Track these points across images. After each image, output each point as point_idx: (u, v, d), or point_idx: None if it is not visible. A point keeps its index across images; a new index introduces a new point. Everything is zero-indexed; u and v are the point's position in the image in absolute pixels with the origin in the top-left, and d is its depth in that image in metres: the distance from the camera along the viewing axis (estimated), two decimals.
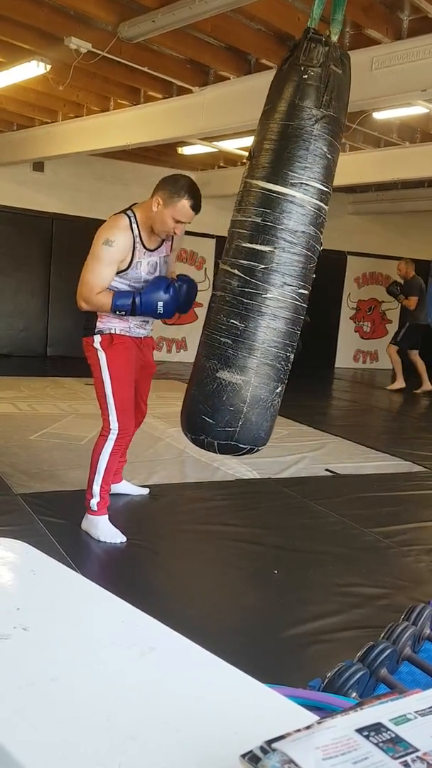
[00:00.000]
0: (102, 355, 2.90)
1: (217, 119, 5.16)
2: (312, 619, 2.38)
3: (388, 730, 0.58)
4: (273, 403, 2.36)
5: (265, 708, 0.75)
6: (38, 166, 8.50)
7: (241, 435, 2.32)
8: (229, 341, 2.28)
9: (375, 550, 3.11)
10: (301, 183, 2.20)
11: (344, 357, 10.99)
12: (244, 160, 2.31)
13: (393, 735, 0.57)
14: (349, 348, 11.07)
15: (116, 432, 2.92)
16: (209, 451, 2.42)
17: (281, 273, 2.24)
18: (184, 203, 2.79)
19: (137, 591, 2.50)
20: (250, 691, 0.78)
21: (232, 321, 2.27)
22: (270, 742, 0.56)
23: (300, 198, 2.21)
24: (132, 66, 4.78)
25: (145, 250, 2.88)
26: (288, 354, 2.35)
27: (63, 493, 3.51)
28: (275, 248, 2.21)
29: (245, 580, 2.77)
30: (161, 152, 7.83)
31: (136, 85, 5.47)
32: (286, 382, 2.41)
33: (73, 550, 2.73)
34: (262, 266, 2.22)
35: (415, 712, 0.61)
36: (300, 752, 0.54)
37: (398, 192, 8.72)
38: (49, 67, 4.80)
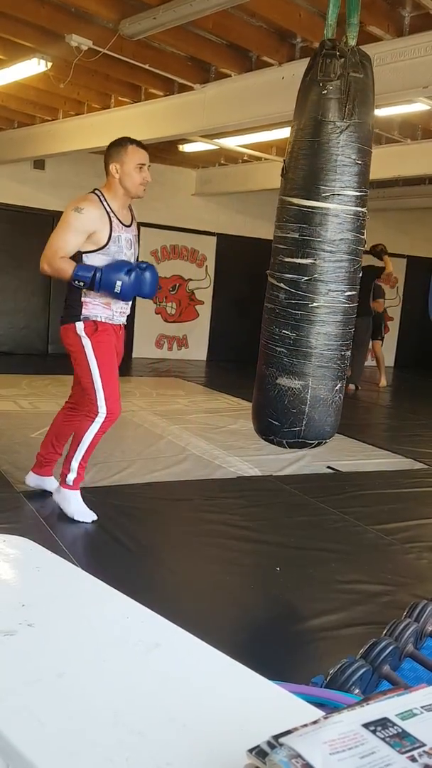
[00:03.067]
0: (87, 342, 2.95)
1: (219, 116, 5.15)
2: (314, 616, 2.39)
3: (394, 725, 0.58)
4: (334, 400, 2.50)
5: (271, 704, 0.75)
6: (39, 163, 8.49)
7: (307, 433, 2.48)
8: (284, 350, 2.40)
9: (377, 547, 3.11)
10: (333, 194, 2.25)
11: None
12: (281, 175, 2.35)
13: (399, 730, 0.58)
14: None
15: (104, 415, 2.98)
16: (281, 447, 2.61)
17: (325, 281, 2.32)
18: (132, 147, 2.94)
19: (139, 588, 2.49)
20: (255, 687, 0.78)
21: (284, 331, 2.39)
22: (277, 737, 0.56)
23: (334, 208, 2.27)
24: (133, 63, 4.77)
25: (121, 224, 2.96)
26: (343, 353, 2.47)
27: None
28: (316, 260, 2.30)
29: (247, 578, 2.77)
30: (162, 150, 7.81)
31: (137, 82, 5.46)
32: (345, 377, 2.55)
33: (76, 546, 2.73)
34: (306, 278, 2.32)
35: (421, 707, 0.62)
36: (307, 747, 0.54)
37: (399, 189, 8.71)
38: (50, 64, 4.78)
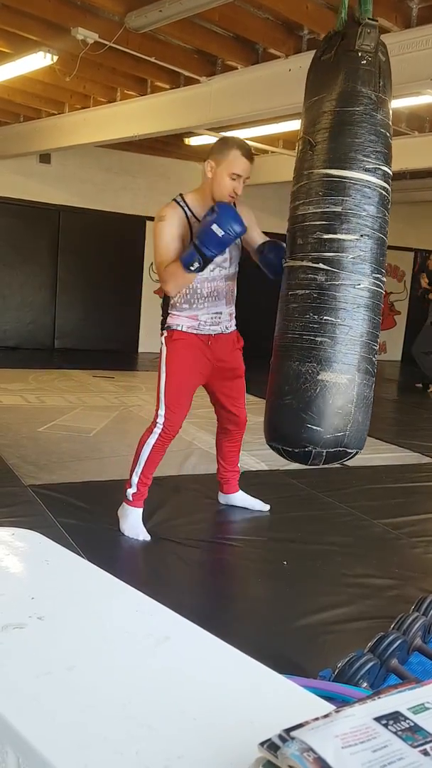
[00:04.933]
0: (164, 349, 2.91)
1: (225, 109, 5.13)
2: (322, 609, 2.39)
3: (406, 718, 0.58)
4: (371, 400, 2.24)
5: (281, 697, 0.75)
6: (45, 157, 8.49)
7: (351, 438, 2.17)
8: (327, 339, 2.13)
9: (384, 542, 3.11)
10: (376, 168, 2.12)
11: None
12: (307, 151, 2.20)
13: (411, 724, 0.57)
14: None
15: (161, 427, 2.87)
16: (314, 464, 2.21)
17: (369, 261, 2.14)
18: (236, 153, 2.69)
19: (147, 581, 2.51)
20: (265, 680, 0.78)
21: (325, 318, 2.12)
22: (288, 730, 0.56)
23: (377, 183, 2.14)
24: (139, 56, 4.75)
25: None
26: (376, 347, 2.23)
27: (72, 485, 3.53)
28: (361, 236, 2.12)
29: (255, 572, 2.78)
30: (168, 143, 7.80)
31: (143, 75, 5.44)
32: (375, 374, 2.28)
33: (83, 540, 2.73)
34: (351, 256, 2.12)
35: None
36: (319, 740, 0.54)
37: (406, 182, 8.66)
38: (55, 57, 4.77)
